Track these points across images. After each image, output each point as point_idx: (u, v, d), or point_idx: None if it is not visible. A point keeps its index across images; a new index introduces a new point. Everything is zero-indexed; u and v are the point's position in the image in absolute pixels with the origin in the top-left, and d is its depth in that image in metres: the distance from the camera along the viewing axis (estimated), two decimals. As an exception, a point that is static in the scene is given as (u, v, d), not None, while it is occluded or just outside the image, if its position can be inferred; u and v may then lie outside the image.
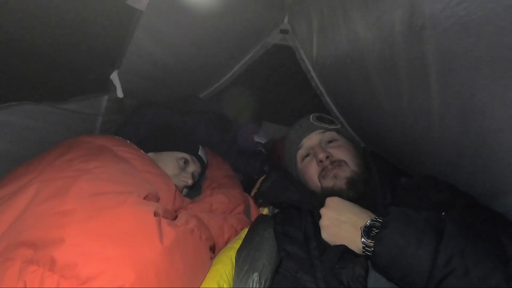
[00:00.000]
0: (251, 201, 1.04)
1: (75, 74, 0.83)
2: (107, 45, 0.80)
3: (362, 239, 0.61)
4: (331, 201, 0.73)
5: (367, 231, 0.62)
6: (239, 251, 0.71)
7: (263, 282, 0.62)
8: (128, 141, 0.96)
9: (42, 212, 0.56)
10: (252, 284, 0.61)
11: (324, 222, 0.70)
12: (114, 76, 0.91)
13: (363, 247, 0.61)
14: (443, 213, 0.64)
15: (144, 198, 0.67)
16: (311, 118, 0.97)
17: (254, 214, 0.99)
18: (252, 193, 1.15)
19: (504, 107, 0.50)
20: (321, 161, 0.85)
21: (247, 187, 1.23)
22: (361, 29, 0.73)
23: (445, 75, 0.57)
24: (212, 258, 0.70)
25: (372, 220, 0.63)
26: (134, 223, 0.57)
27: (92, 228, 0.54)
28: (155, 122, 1.23)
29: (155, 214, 0.61)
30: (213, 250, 0.74)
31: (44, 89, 0.80)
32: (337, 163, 0.84)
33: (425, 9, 0.51)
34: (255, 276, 0.62)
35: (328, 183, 0.82)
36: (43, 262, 0.49)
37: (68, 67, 0.78)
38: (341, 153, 0.86)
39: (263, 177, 1.18)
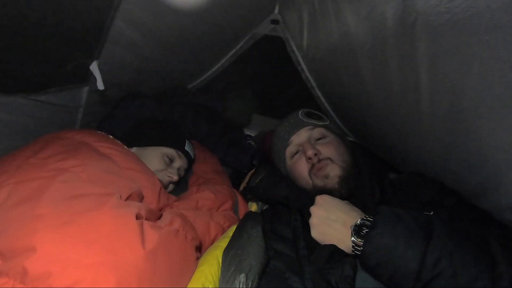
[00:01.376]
0: (239, 197, 1.02)
1: (50, 64, 0.78)
2: (85, 33, 0.75)
3: (352, 238, 0.61)
4: (321, 199, 0.72)
5: (357, 230, 0.61)
6: (226, 251, 0.69)
7: (250, 283, 0.61)
8: (111, 136, 0.92)
9: (12, 217, 0.52)
10: (239, 285, 0.60)
11: (313, 221, 0.69)
12: (94, 67, 0.85)
13: (353, 246, 0.61)
14: (432, 213, 0.64)
15: (127, 198, 0.64)
16: (300, 114, 0.95)
17: (242, 211, 0.98)
18: (241, 188, 1.14)
19: (493, 106, 0.50)
20: (310, 158, 0.84)
21: (235, 181, 1.21)
22: (352, 23, 0.71)
23: (436, 71, 0.56)
24: (198, 258, 0.68)
25: (362, 219, 0.62)
26: (114, 227, 0.54)
27: (68, 234, 0.50)
28: (140, 115, 1.19)
29: (137, 216, 0.58)
30: (199, 250, 0.73)
31: (16, 79, 0.74)
32: (324, 162, 0.82)
33: (417, 4, 0.49)
34: (242, 277, 0.61)
35: (320, 182, 0.81)
36: (13, 273, 0.45)
37: (43, 56, 0.73)
38: (329, 150, 0.85)
39: (253, 171, 1.17)
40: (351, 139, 1.21)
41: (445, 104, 0.59)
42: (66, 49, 0.76)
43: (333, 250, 0.61)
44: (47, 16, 0.63)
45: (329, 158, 0.83)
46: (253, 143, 1.50)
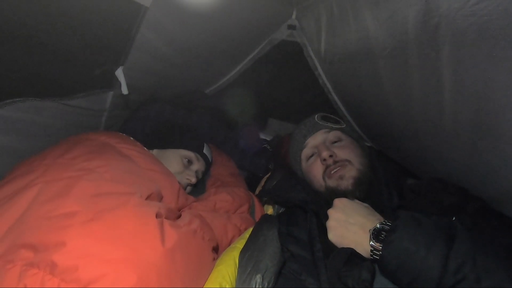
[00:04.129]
0: (256, 200, 1.03)
1: (80, 70, 0.82)
2: (112, 41, 0.79)
3: (371, 242, 0.60)
4: (339, 202, 0.71)
5: (376, 234, 0.61)
6: (243, 252, 0.70)
7: (266, 284, 0.61)
8: (132, 138, 0.96)
9: (43, 214, 0.55)
10: (255, 286, 0.61)
11: (331, 223, 0.69)
12: (119, 73, 0.90)
13: (371, 251, 0.60)
14: (454, 218, 0.62)
15: (147, 198, 0.66)
16: (316, 117, 0.96)
17: (258, 214, 0.98)
18: (257, 191, 1.15)
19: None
20: (324, 159, 0.84)
21: (251, 185, 1.22)
22: (372, 27, 0.71)
23: (460, 75, 0.55)
24: (215, 259, 0.69)
25: (381, 223, 0.62)
26: (136, 225, 0.56)
27: (93, 231, 0.53)
28: (160, 118, 1.23)
29: (157, 215, 0.60)
30: (216, 250, 0.74)
31: (49, 85, 0.79)
32: (341, 163, 0.82)
33: (440, 7, 0.49)
34: (258, 277, 0.62)
35: (333, 183, 0.81)
36: (44, 265, 0.48)
37: (73, 63, 0.78)
38: (346, 152, 0.85)
39: (268, 174, 1.18)
40: (368, 144, 1.20)
41: (469, 107, 0.57)
42: (95, 56, 0.80)
43: (351, 253, 0.60)
44: (77, 26, 0.67)
45: (347, 160, 0.83)
46: (268, 147, 1.51)
